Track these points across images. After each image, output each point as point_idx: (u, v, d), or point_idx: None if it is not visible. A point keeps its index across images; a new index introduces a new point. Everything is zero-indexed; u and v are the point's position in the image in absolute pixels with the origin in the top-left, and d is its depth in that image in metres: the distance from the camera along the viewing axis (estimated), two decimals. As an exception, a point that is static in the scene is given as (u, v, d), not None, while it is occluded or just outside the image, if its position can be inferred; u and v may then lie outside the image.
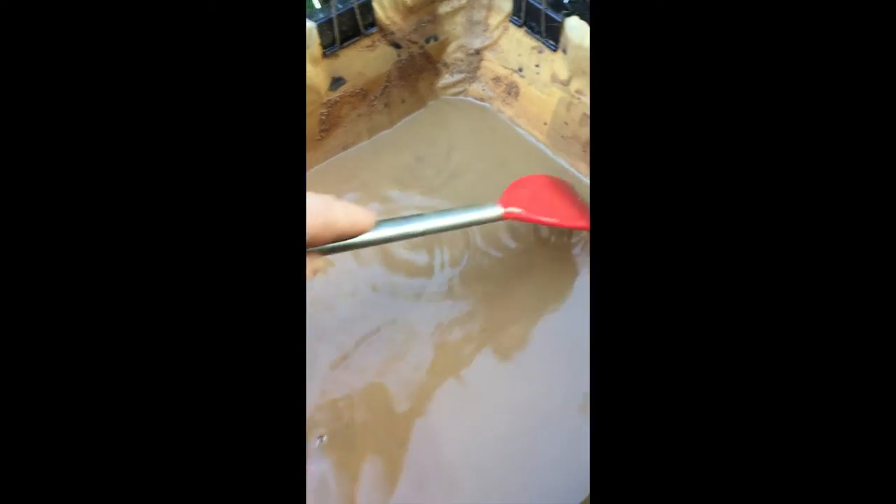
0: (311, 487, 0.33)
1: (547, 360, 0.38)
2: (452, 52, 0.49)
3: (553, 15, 0.40)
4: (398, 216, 0.30)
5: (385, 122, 0.50)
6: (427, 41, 0.47)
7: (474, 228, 0.43)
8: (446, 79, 0.51)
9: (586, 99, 0.42)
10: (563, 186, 0.42)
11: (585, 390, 0.36)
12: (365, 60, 0.44)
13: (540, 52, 0.44)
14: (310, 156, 0.46)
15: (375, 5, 0.42)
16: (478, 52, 0.49)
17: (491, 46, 0.48)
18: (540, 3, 0.41)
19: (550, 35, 0.42)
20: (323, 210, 0.24)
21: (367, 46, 0.44)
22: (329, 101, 0.44)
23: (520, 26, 0.44)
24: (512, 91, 0.49)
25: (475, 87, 0.51)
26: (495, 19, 0.46)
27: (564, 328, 0.39)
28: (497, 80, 0.49)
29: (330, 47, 0.41)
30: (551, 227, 0.39)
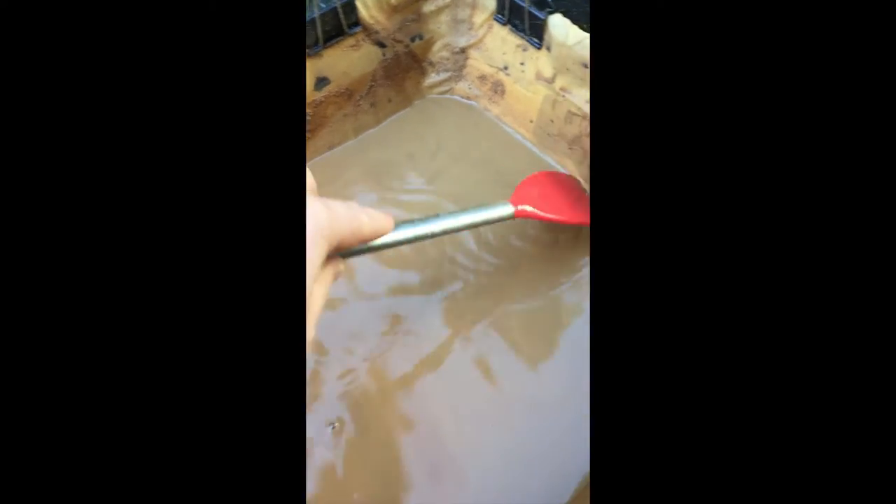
0: (320, 474, 0.34)
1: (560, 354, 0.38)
2: (438, 51, 0.49)
3: (536, 13, 0.40)
4: (416, 218, 0.31)
5: (371, 121, 0.50)
6: (412, 40, 0.47)
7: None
8: (432, 78, 0.51)
9: (571, 96, 0.42)
10: (569, 182, 0.42)
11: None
12: (349, 60, 0.44)
13: (524, 49, 0.44)
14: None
15: (359, 4, 0.42)
16: (463, 50, 0.49)
17: (476, 45, 0.48)
18: (523, 1, 0.41)
19: (534, 33, 0.42)
20: (350, 217, 0.25)
21: (352, 46, 0.44)
22: (314, 101, 0.44)
23: (504, 24, 0.44)
24: (498, 89, 0.49)
25: (461, 86, 0.51)
26: (480, 17, 0.46)
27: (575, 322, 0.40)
28: (483, 78, 0.49)
29: (313, 47, 0.41)
30: (561, 223, 0.40)
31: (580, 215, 0.40)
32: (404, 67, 0.48)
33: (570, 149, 0.45)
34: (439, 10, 0.46)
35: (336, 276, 0.26)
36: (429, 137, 0.49)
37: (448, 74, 0.50)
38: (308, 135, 0.46)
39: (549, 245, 0.43)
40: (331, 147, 0.48)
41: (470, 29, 0.47)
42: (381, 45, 0.45)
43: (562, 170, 0.46)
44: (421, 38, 0.47)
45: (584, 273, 0.42)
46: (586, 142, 0.43)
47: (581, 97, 0.41)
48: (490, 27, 0.46)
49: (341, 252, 0.26)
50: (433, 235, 0.31)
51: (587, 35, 0.38)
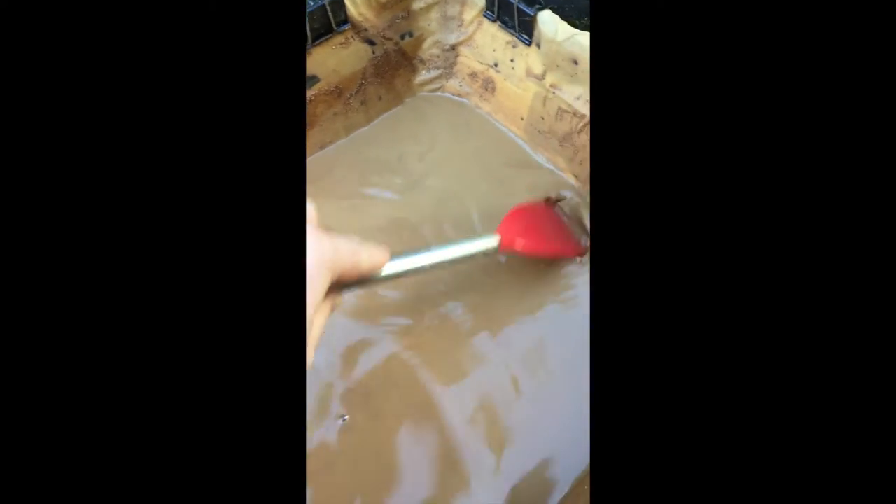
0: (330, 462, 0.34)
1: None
2: (428, 49, 0.49)
3: (525, 9, 0.40)
4: (408, 251, 0.32)
5: (362, 120, 0.49)
6: (402, 37, 0.46)
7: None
8: (423, 75, 0.50)
9: (561, 93, 0.42)
10: (552, 212, 0.43)
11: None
12: (339, 58, 0.44)
13: (514, 46, 0.44)
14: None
15: (347, 2, 0.41)
16: (453, 47, 0.48)
17: (466, 42, 0.47)
18: (513, -2, 0.41)
19: (524, 29, 0.42)
20: (351, 251, 0.26)
21: (341, 44, 0.44)
22: (303, 99, 0.44)
23: (494, 21, 0.44)
24: (488, 86, 0.48)
25: (452, 83, 0.51)
26: (469, 14, 0.46)
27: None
28: (473, 75, 0.49)
29: (302, 45, 0.41)
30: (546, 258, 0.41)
31: (567, 246, 0.41)
32: (394, 65, 0.48)
33: (560, 146, 0.45)
34: (429, 7, 0.45)
35: (333, 308, 0.27)
36: (420, 135, 0.49)
37: (439, 72, 0.50)
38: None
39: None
40: (322, 146, 0.48)
41: (460, 26, 0.47)
42: (371, 42, 0.45)
43: (553, 168, 0.46)
44: (411, 35, 0.47)
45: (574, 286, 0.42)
46: (577, 139, 0.43)
47: (571, 94, 0.41)
48: (480, 24, 0.46)
49: (340, 285, 0.27)
50: (424, 269, 0.32)
51: (576, 31, 0.38)
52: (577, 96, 0.41)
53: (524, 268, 0.42)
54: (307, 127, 0.46)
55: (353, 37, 0.44)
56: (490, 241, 0.36)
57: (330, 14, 0.41)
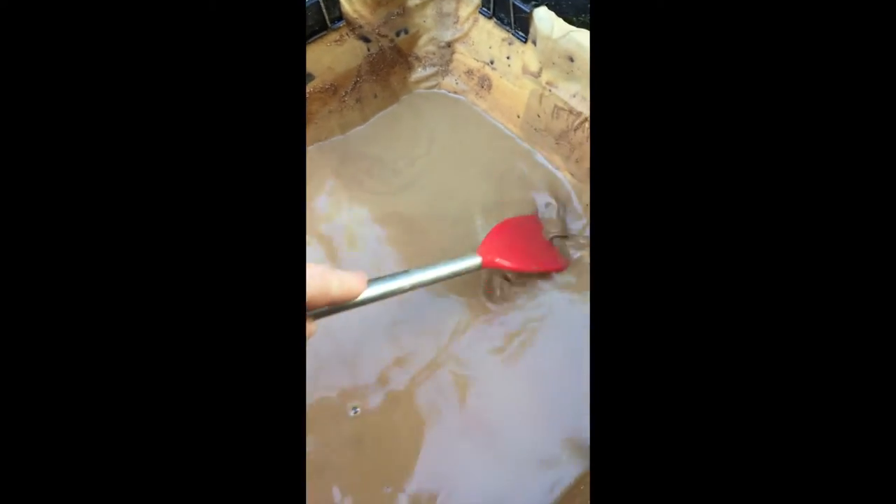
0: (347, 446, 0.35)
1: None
2: (424, 46, 0.48)
3: (521, 6, 0.40)
4: (387, 274, 0.32)
5: (357, 117, 0.49)
6: (397, 34, 0.46)
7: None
8: (419, 72, 0.50)
9: (557, 91, 0.41)
10: (536, 227, 0.42)
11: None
12: (334, 55, 0.44)
13: (510, 43, 0.43)
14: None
15: (342, -1, 0.41)
16: (449, 44, 0.48)
17: (462, 39, 0.47)
18: (508, -6, 0.40)
19: (520, 26, 0.41)
20: (319, 279, 0.27)
21: (336, 41, 0.43)
22: (298, 97, 0.43)
23: (489, 18, 0.44)
24: (485, 84, 0.48)
25: (448, 81, 0.51)
26: (465, 11, 0.45)
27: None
28: (470, 73, 0.49)
29: (296, 42, 0.40)
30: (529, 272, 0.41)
31: (548, 262, 0.40)
32: (390, 62, 0.48)
33: (557, 143, 0.44)
34: (424, 4, 0.45)
35: (308, 335, 0.27)
36: (416, 133, 0.49)
37: (434, 69, 0.50)
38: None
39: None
40: (317, 145, 0.48)
41: (455, 23, 0.46)
42: (366, 39, 0.45)
43: (549, 166, 0.46)
44: (406, 32, 0.46)
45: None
46: (573, 136, 0.42)
47: (567, 91, 0.41)
48: (476, 21, 0.45)
49: (310, 312, 0.28)
50: (403, 291, 0.32)
51: (573, 28, 0.37)
52: (574, 94, 0.40)
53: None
54: (302, 125, 0.46)
55: (347, 34, 0.43)
56: (471, 261, 0.36)
57: (324, 11, 0.41)
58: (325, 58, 0.43)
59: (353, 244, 0.43)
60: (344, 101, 0.47)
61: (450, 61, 0.49)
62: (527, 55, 0.42)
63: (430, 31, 0.47)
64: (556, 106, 0.42)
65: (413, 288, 0.33)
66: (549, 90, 0.42)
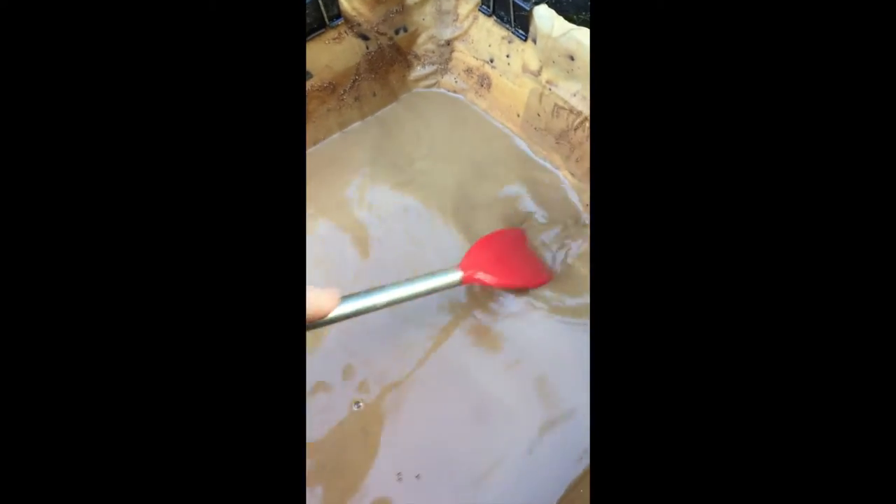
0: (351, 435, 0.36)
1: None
2: (423, 44, 0.48)
3: (521, 4, 0.39)
4: (361, 291, 0.31)
5: (356, 116, 0.49)
6: (396, 32, 0.46)
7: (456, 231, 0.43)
8: (418, 71, 0.50)
9: (557, 90, 0.41)
10: (520, 241, 0.41)
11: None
12: (332, 53, 0.43)
13: (510, 41, 0.43)
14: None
15: (340, -4, 0.41)
16: (448, 42, 0.48)
17: (461, 37, 0.47)
18: (508, -8, 0.40)
19: (520, 24, 0.41)
20: None
21: (334, 39, 0.43)
22: (295, 95, 0.43)
23: (489, 15, 0.43)
24: (484, 82, 0.48)
25: (447, 79, 0.50)
26: (465, 8, 0.45)
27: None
28: (469, 71, 0.48)
29: (293, 40, 0.40)
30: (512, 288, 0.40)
31: (531, 277, 0.40)
32: (389, 60, 0.47)
33: (557, 143, 0.44)
34: (423, 2, 0.45)
35: None
36: (414, 132, 0.48)
37: (434, 67, 0.50)
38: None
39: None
40: (315, 143, 0.47)
41: (455, 20, 0.46)
42: (365, 37, 0.44)
43: (549, 166, 0.46)
44: (405, 30, 0.46)
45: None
46: (574, 136, 0.42)
47: (567, 90, 0.40)
48: (475, 18, 0.45)
49: None
50: (377, 308, 0.32)
51: (573, 26, 0.37)
52: (574, 93, 0.40)
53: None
54: (300, 123, 0.45)
55: (346, 32, 0.43)
56: (452, 276, 0.35)
57: (322, 8, 0.40)
58: (324, 56, 0.43)
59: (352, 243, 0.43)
60: (342, 100, 0.47)
61: (449, 60, 0.49)
62: (527, 53, 0.42)
63: (429, 29, 0.47)
64: (556, 105, 0.42)
65: (388, 305, 0.32)
66: (550, 89, 0.41)
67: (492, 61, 0.46)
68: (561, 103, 0.41)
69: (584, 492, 0.32)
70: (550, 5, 0.38)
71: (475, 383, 0.37)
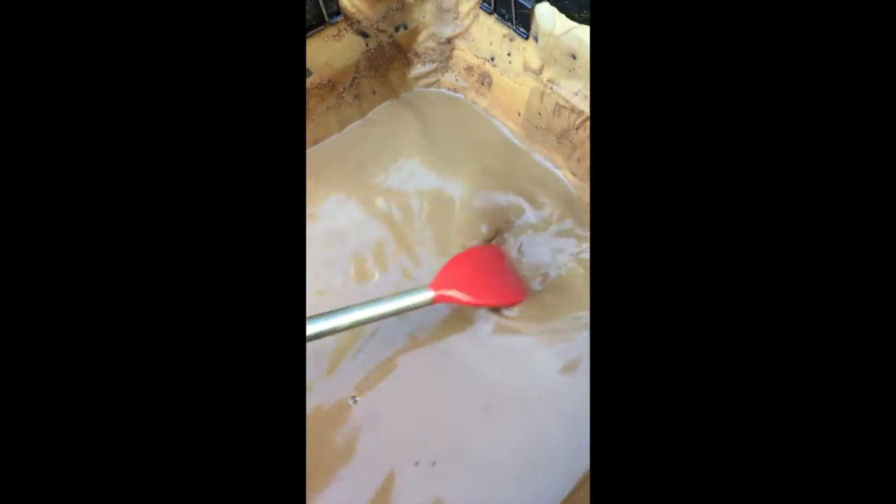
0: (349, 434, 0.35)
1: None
2: (423, 41, 0.47)
3: (523, 2, 0.39)
4: (326, 311, 0.31)
5: (356, 114, 0.48)
6: (396, 30, 0.45)
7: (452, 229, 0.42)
8: (418, 69, 0.49)
9: (559, 89, 0.41)
10: (497, 258, 0.40)
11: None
12: (331, 51, 0.43)
13: (511, 40, 0.43)
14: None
15: (340, -7, 0.40)
16: (449, 40, 0.47)
17: (462, 35, 0.46)
18: (510, -10, 0.40)
19: (521, 22, 0.40)
20: None
21: (333, 36, 0.42)
22: (294, 93, 0.42)
23: (490, 13, 0.43)
24: (485, 81, 0.47)
25: (448, 78, 0.50)
26: (465, 6, 0.44)
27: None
28: (469, 69, 0.48)
29: (293, 37, 0.40)
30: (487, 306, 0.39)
31: (507, 295, 0.38)
32: (389, 58, 0.47)
33: (558, 142, 0.44)
34: (424, -1, 0.44)
35: None
36: (415, 130, 0.48)
37: (434, 65, 0.49)
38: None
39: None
40: (315, 141, 0.47)
41: (455, 18, 0.46)
42: (364, 34, 0.44)
43: (550, 166, 0.45)
44: (405, 27, 0.46)
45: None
46: (575, 135, 0.42)
47: (569, 89, 0.40)
48: (476, 16, 0.44)
49: None
50: (341, 330, 0.31)
51: (575, 25, 0.37)
52: (576, 92, 0.40)
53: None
54: (299, 121, 0.45)
55: (345, 29, 0.43)
56: (423, 296, 0.34)
57: (322, 5, 0.40)
58: (323, 53, 0.42)
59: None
60: (342, 98, 0.46)
61: (449, 58, 0.49)
62: (528, 52, 0.41)
63: (429, 27, 0.46)
64: (557, 104, 0.41)
65: (353, 326, 0.31)
66: (551, 88, 0.41)
67: (493, 60, 0.45)
68: (562, 102, 0.41)
69: (585, 495, 0.32)
70: (552, 3, 0.38)
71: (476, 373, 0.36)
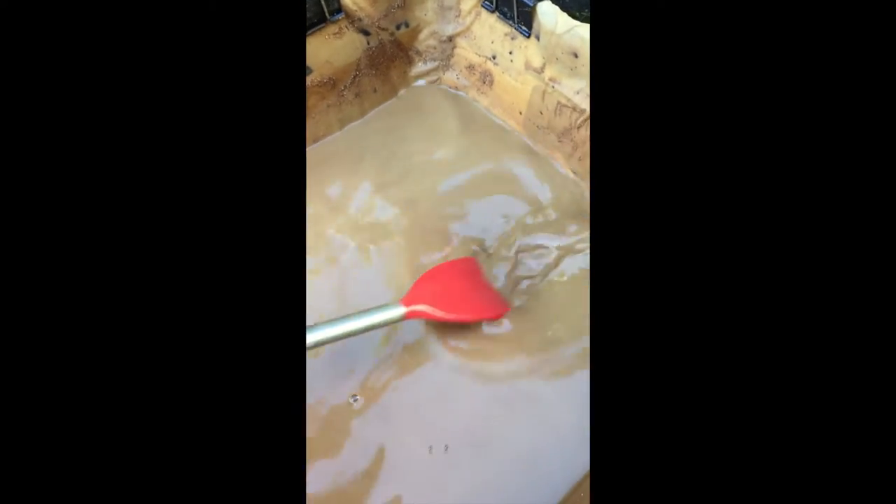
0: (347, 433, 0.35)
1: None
2: (424, 40, 0.47)
3: (525, 0, 0.39)
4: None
5: (356, 112, 0.48)
6: (397, 28, 0.45)
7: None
8: (419, 67, 0.49)
9: (560, 87, 0.40)
10: (471, 272, 0.39)
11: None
12: (332, 48, 0.43)
13: (513, 38, 0.42)
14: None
15: (341, -10, 0.40)
16: (450, 38, 0.47)
17: (463, 33, 0.46)
18: (512, -12, 0.39)
19: (523, 21, 0.40)
20: None
21: (334, 34, 0.42)
22: (295, 91, 0.42)
23: (492, 12, 0.43)
24: (486, 79, 0.47)
25: (449, 76, 0.50)
26: (467, 4, 0.44)
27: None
28: (471, 67, 0.48)
29: (293, 35, 0.40)
30: (461, 322, 0.38)
31: (482, 310, 0.37)
32: (390, 56, 0.47)
33: (559, 141, 0.43)
34: (425, -3, 0.44)
35: None
36: (416, 129, 0.48)
37: (435, 64, 0.49)
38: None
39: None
40: (315, 139, 0.47)
41: (457, 16, 0.45)
42: (366, 32, 0.44)
43: (551, 163, 0.45)
44: (407, 25, 0.45)
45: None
46: (576, 134, 0.42)
47: (571, 88, 0.40)
48: (478, 14, 0.44)
49: None
50: (312, 347, 0.30)
51: (577, 23, 0.36)
52: (577, 90, 0.40)
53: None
54: (299, 119, 0.45)
55: (346, 27, 0.42)
56: (394, 312, 0.34)
57: (323, 3, 0.40)
58: (324, 51, 0.42)
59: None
60: (343, 96, 0.46)
61: (451, 56, 0.48)
62: (530, 50, 0.41)
63: (431, 25, 0.46)
64: (559, 103, 0.41)
65: (315, 346, 0.31)
66: (553, 86, 0.41)
67: (494, 58, 0.45)
68: (564, 101, 0.41)
69: (585, 496, 0.32)
70: (554, 1, 0.38)
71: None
